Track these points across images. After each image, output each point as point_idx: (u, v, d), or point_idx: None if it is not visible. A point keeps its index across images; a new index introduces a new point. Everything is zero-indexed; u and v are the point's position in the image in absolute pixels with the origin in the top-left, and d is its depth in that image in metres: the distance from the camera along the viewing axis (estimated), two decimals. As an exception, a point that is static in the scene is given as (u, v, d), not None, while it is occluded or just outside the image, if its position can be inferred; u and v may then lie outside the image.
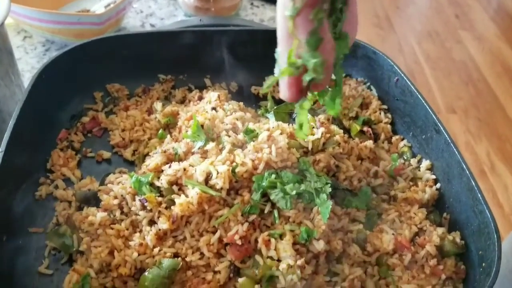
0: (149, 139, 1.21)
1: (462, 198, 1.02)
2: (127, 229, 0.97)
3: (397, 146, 1.22)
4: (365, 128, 1.23)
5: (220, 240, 0.93)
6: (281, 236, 0.93)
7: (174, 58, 1.34)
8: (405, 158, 1.19)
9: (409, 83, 1.20)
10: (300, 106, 0.81)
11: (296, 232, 0.93)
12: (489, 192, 3.19)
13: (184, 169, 0.98)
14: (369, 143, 1.15)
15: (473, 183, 0.98)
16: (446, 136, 1.08)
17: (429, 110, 1.13)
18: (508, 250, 1.36)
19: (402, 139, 1.24)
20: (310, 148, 1.06)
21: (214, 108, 1.17)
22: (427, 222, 1.04)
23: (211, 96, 1.23)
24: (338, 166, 1.07)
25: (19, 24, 1.62)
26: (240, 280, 0.91)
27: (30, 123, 1.08)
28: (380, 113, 1.28)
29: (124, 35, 1.42)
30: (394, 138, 1.24)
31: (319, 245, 0.92)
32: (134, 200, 0.99)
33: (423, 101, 1.16)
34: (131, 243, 0.95)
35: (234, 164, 0.97)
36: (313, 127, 1.10)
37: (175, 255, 0.94)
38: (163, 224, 0.94)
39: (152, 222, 0.97)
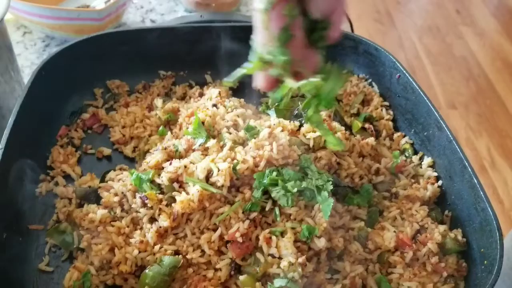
0: (150, 135, 1.20)
1: (464, 195, 1.02)
2: (128, 226, 0.97)
3: (398, 143, 1.22)
4: (366, 125, 1.22)
5: (221, 237, 0.93)
6: (282, 234, 0.92)
7: (174, 54, 1.33)
8: (407, 155, 1.19)
9: (411, 79, 1.20)
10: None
11: (297, 230, 0.93)
12: (490, 188, 3.18)
13: (185, 166, 0.98)
14: (371, 140, 1.15)
15: (475, 181, 0.98)
16: (448, 133, 1.07)
17: (431, 107, 1.13)
18: (510, 247, 1.35)
19: (404, 136, 1.23)
20: (311, 145, 1.05)
21: (215, 105, 1.16)
22: (429, 220, 1.03)
23: (212, 92, 1.23)
24: (339, 163, 1.07)
25: (18, 20, 1.62)
26: (241, 277, 0.91)
27: (30, 120, 1.07)
28: (381, 110, 1.28)
29: (124, 31, 1.42)
30: (395, 135, 1.23)
31: (320, 243, 0.91)
32: (134, 197, 0.99)
33: (425, 98, 1.15)
34: (132, 240, 0.94)
35: (235, 161, 0.97)
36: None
37: (176, 253, 0.93)
38: (163, 221, 0.94)
39: (152, 220, 0.97)
